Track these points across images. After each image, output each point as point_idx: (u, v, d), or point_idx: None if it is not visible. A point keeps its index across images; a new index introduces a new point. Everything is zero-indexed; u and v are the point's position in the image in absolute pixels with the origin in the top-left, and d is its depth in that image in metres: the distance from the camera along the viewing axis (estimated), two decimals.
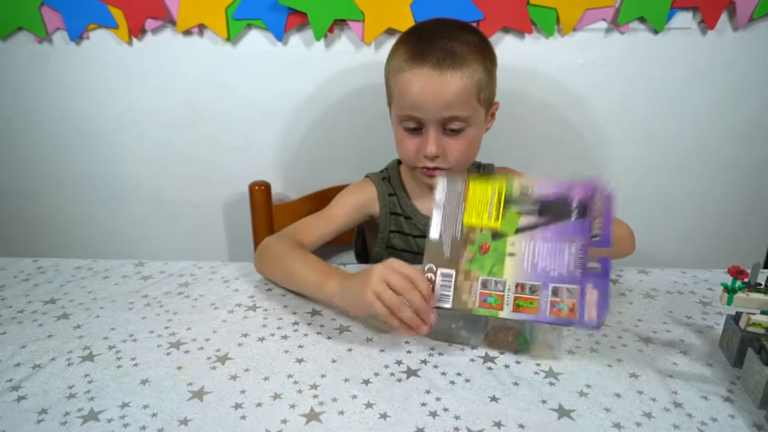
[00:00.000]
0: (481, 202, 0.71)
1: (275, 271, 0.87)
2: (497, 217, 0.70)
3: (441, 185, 0.73)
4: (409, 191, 1.01)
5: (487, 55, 0.88)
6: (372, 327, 0.76)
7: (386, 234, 1.01)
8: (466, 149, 0.89)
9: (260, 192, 1.12)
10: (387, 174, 1.03)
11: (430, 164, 0.89)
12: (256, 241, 1.15)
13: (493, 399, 0.62)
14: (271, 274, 0.88)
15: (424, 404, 0.61)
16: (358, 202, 1.00)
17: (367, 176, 1.04)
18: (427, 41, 0.85)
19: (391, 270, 0.69)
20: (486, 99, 0.89)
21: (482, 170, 1.03)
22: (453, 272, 0.69)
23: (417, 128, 0.88)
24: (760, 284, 0.67)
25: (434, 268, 0.69)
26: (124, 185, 1.36)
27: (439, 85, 0.83)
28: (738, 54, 1.20)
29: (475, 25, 1.10)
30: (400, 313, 0.67)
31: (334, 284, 0.76)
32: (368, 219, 1.02)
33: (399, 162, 1.03)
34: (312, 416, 0.59)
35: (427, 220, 0.96)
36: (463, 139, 0.88)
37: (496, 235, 0.69)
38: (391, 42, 1.19)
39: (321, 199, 1.13)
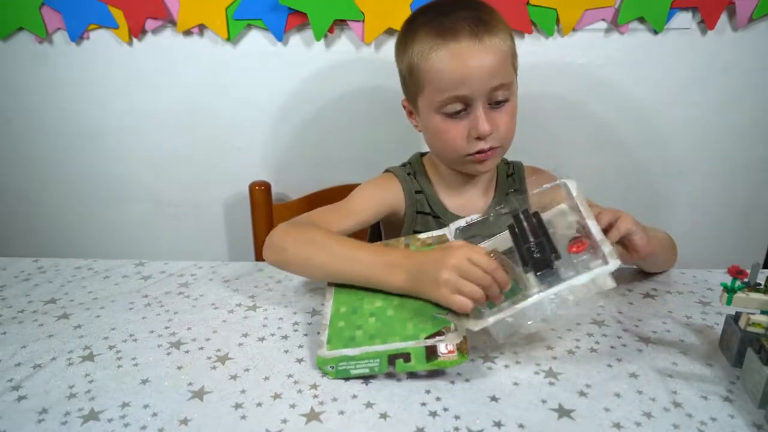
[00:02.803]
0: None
1: (308, 257, 0.78)
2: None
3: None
4: (437, 188, 0.94)
5: (506, 23, 0.83)
6: None
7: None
8: (511, 121, 0.84)
9: (260, 192, 1.12)
10: (411, 169, 0.94)
11: (485, 145, 0.82)
12: (256, 241, 1.15)
13: (493, 399, 0.62)
14: (297, 261, 0.80)
15: (424, 404, 0.61)
16: (383, 198, 0.91)
17: (388, 170, 0.95)
18: (449, 16, 0.80)
19: (470, 263, 0.66)
20: (515, 68, 0.85)
21: (511, 167, 0.98)
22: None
23: (461, 111, 0.81)
24: (759, 284, 0.66)
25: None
26: (124, 185, 1.36)
27: (481, 54, 0.78)
28: (738, 54, 1.21)
29: None
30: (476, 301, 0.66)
31: (401, 276, 0.71)
32: (389, 218, 0.93)
33: (422, 155, 0.97)
34: (312, 416, 0.59)
35: (456, 220, 0.90)
36: (508, 111, 0.83)
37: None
38: (391, 42, 1.20)
39: (321, 200, 1.13)
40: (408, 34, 0.84)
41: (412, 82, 0.84)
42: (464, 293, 0.66)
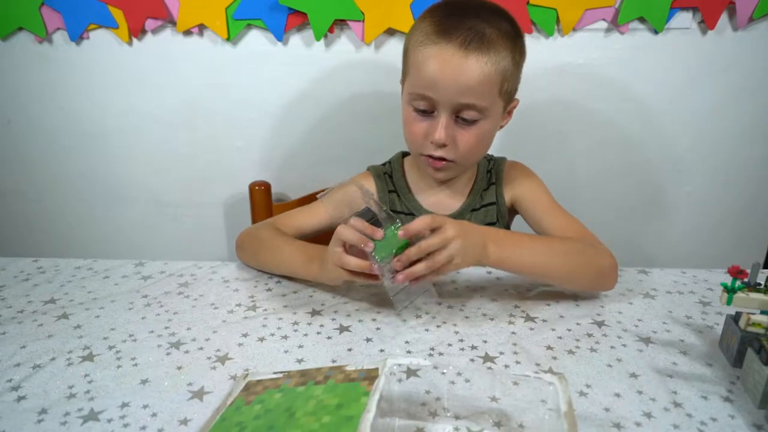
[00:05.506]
0: None
1: (260, 257, 0.89)
2: None
3: None
4: (412, 186, 0.96)
5: (517, 45, 0.83)
6: (371, 328, 0.76)
7: None
8: (476, 143, 0.84)
9: (260, 192, 1.12)
10: (389, 168, 0.98)
11: (436, 153, 0.84)
12: None
13: (493, 399, 0.62)
14: (254, 261, 0.91)
15: (424, 404, 0.61)
16: (353, 197, 0.96)
17: (368, 168, 1.00)
18: (456, 18, 0.80)
19: (342, 239, 0.72)
20: (507, 92, 0.84)
21: (492, 163, 0.98)
22: None
23: (427, 111, 0.82)
24: (759, 284, 0.67)
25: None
26: (124, 185, 1.36)
27: (460, 67, 0.78)
28: (738, 54, 1.20)
29: None
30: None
31: (316, 267, 0.80)
32: None
33: (403, 155, 0.99)
34: None
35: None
36: (475, 131, 0.83)
37: None
38: (391, 42, 1.20)
39: None
40: (420, 18, 0.85)
41: (403, 64, 0.87)
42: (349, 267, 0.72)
